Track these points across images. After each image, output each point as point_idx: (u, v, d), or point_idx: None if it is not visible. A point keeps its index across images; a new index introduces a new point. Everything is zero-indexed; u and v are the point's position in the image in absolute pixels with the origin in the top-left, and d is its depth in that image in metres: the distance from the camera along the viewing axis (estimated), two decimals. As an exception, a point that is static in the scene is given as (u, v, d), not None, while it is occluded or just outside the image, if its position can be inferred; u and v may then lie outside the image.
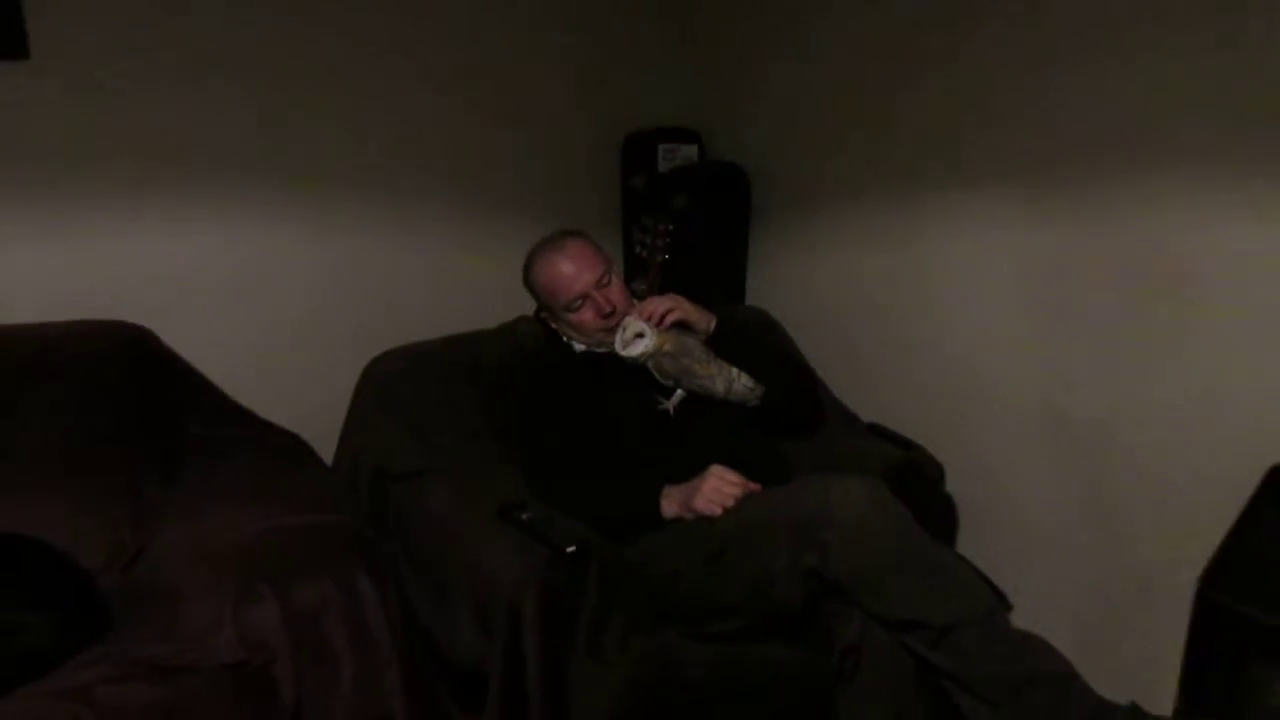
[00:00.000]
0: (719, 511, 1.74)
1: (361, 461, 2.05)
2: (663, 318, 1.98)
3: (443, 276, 2.54)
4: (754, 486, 1.79)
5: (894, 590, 1.54)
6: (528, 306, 2.25)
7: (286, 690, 1.56)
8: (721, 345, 2.02)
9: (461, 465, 1.98)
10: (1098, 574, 2.05)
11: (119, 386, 1.98)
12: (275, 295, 2.34)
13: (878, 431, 2.21)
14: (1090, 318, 1.97)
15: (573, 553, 1.64)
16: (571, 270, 2.02)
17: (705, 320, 2.04)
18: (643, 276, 2.58)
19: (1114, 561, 2.02)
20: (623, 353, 1.96)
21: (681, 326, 2.02)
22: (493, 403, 2.09)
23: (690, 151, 2.76)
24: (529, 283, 2.10)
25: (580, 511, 1.84)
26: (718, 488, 1.76)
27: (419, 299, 2.52)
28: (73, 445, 1.89)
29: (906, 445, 2.12)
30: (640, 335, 1.96)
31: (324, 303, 2.40)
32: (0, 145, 1.99)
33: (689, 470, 1.86)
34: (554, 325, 2.12)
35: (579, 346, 2.09)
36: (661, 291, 2.26)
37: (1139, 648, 1.99)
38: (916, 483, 2.05)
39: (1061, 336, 2.02)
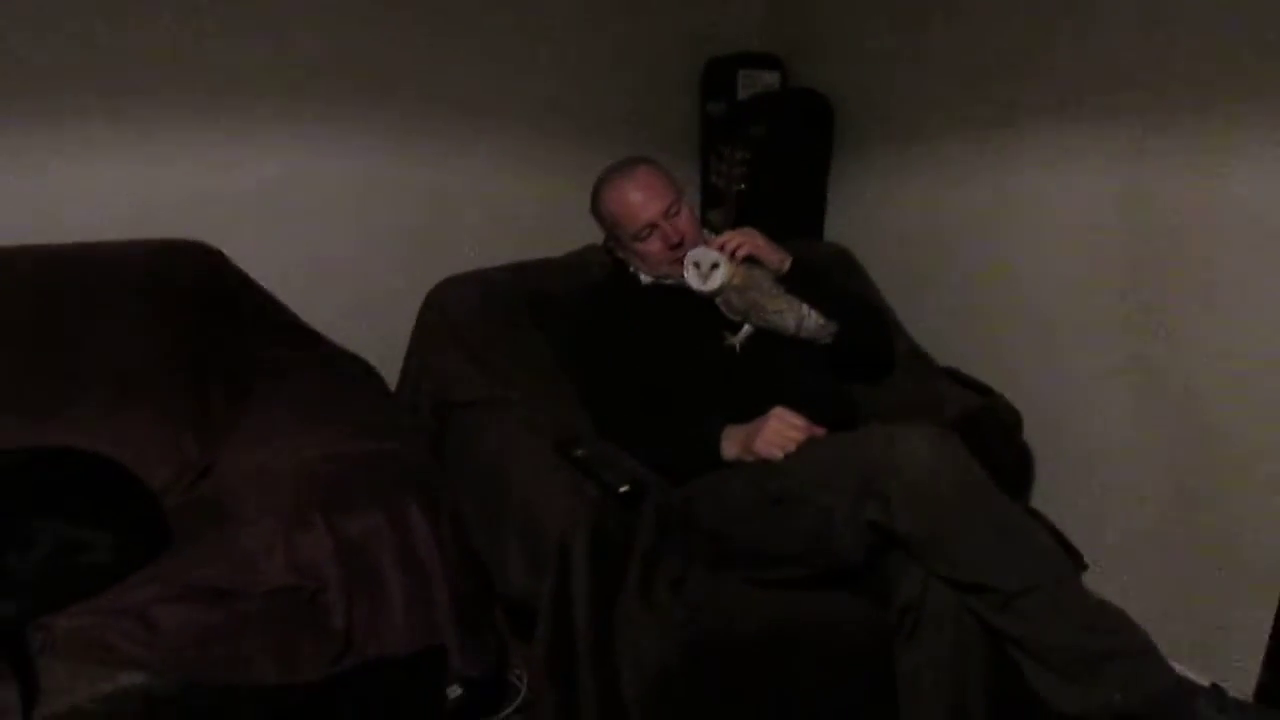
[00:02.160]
0: (779, 455, 1.68)
1: (423, 388, 2.04)
2: (734, 252, 1.91)
3: (518, 202, 2.50)
4: (818, 430, 1.72)
5: (959, 551, 1.46)
6: (601, 235, 2.20)
7: (337, 616, 1.56)
8: (794, 283, 1.94)
9: (523, 397, 1.94)
10: (1179, 537, 1.94)
11: (188, 306, 1.99)
12: (346, 218, 2.32)
13: (953, 376, 2.10)
14: (1196, 268, 1.84)
15: (625, 493, 1.60)
16: (640, 199, 1.95)
17: (778, 257, 1.96)
18: (718, 206, 2.50)
19: (1197, 526, 1.91)
20: (699, 287, 1.90)
21: (752, 261, 1.94)
22: (558, 334, 2.05)
23: (772, 79, 2.65)
24: (596, 211, 2.04)
25: (639, 448, 1.81)
26: (779, 430, 1.69)
27: (491, 225, 2.47)
28: (142, 364, 1.91)
29: (983, 391, 2.02)
30: (715, 266, 1.89)
31: (395, 227, 2.38)
32: (83, 60, 1.99)
33: (753, 410, 1.80)
34: (620, 255, 2.06)
35: (645, 278, 2.03)
36: (737, 223, 2.20)
37: (1216, 617, 1.89)
38: (993, 431, 1.95)
39: (1161, 285, 1.90)
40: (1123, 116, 1.90)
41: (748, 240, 1.92)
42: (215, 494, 1.81)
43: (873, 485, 1.50)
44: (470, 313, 2.04)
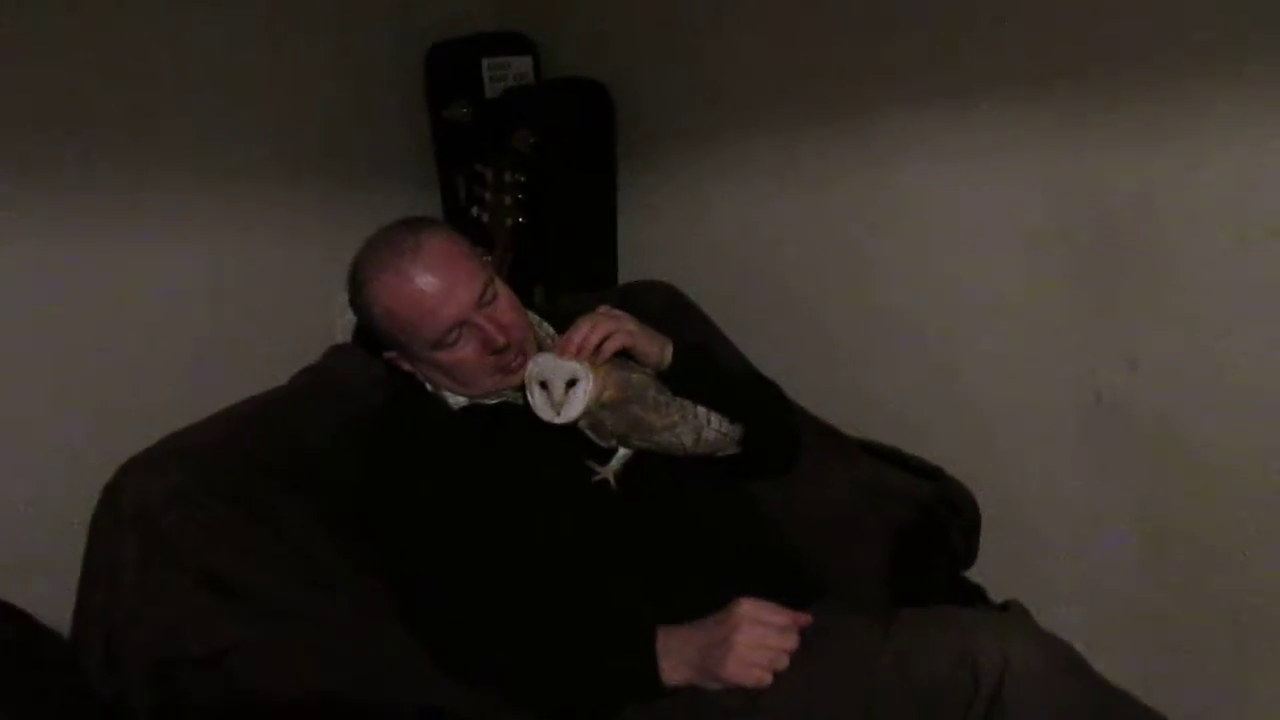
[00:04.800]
0: (769, 679, 1.09)
1: (126, 646, 1.21)
2: (598, 348, 1.28)
3: (203, 306, 1.69)
4: (803, 619, 1.15)
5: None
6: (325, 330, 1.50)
7: None
8: (679, 378, 1.35)
9: (301, 628, 1.21)
10: (1166, 608, 1.57)
11: None
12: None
13: (876, 452, 1.60)
14: (1161, 270, 1.45)
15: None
16: (437, 286, 1.26)
17: (657, 348, 1.34)
18: (486, 251, 1.87)
19: (1189, 592, 1.55)
20: (553, 419, 1.25)
21: (622, 357, 1.33)
22: (337, 512, 1.31)
23: (524, 66, 2.00)
24: (364, 310, 1.33)
25: (522, 690, 1.17)
26: (759, 641, 1.09)
27: (177, 351, 1.67)
28: None
29: (928, 474, 1.53)
30: (573, 383, 1.25)
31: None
32: None
33: (662, 577, 1.24)
34: (409, 369, 1.36)
35: (455, 399, 1.35)
36: (514, 271, 1.61)
37: (1221, 693, 1.54)
38: (952, 524, 1.49)
39: (1119, 298, 1.50)
40: (1034, 91, 1.48)
41: (619, 329, 1.29)
42: None
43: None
44: (186, 509, 1.23)
